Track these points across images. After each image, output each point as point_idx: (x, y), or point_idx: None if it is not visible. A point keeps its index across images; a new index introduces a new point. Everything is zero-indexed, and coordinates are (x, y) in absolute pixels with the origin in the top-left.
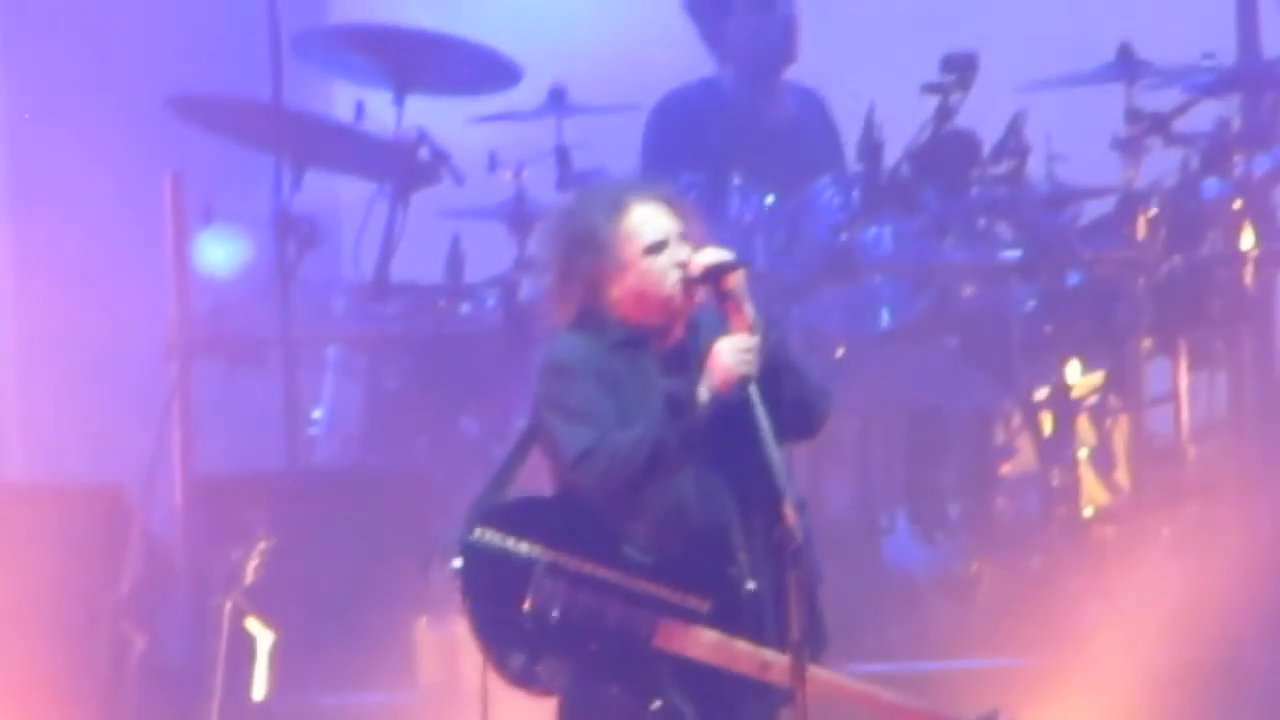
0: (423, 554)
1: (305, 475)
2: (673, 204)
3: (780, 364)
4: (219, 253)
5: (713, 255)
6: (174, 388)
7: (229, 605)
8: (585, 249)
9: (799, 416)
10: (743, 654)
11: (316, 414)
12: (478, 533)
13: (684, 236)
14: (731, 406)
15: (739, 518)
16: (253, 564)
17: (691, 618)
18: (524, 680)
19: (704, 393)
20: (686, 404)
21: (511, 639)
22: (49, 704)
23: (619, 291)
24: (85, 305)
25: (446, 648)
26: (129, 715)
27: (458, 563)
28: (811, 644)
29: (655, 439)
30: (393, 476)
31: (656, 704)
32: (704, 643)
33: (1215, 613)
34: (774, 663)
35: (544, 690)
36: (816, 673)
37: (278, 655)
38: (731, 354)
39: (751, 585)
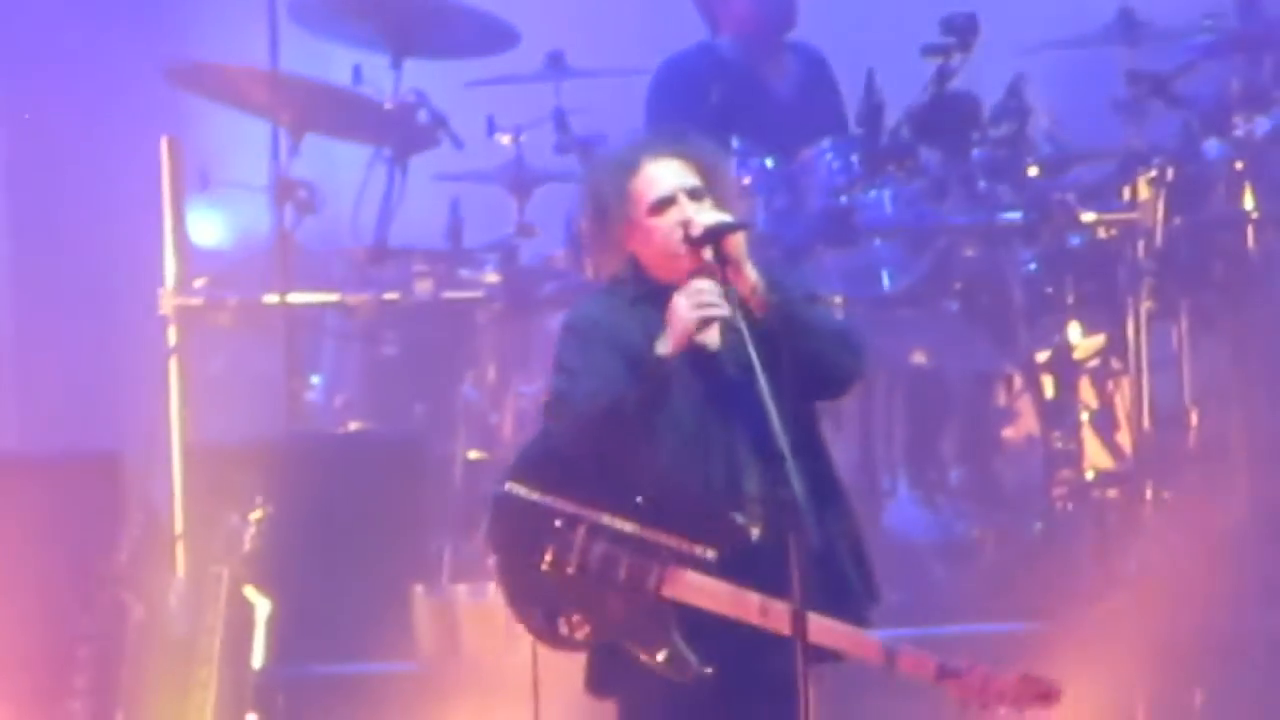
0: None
1: (303, 442)
2: (692, 159)
3: (786, 326)
4: (216, 219)
5: (713, 216)
6: (171, 355)
7: (227, 573)
8: (596, 210)
9: (818, 377)
10: (750, 606)
11: (314, 380)
12: (509, 486)
13: (700, 193)
14: (739, 362)
15: (754, 470)
16: (251, 532)
17: (699, 567)
18: (547, 635)
19: (662, 347)
20: (646, 359)
21: (534, 593)
22: (46, 673)
23: (635, 250)
24: (82, 272)
25: (445, 616)
26: (126, 683)
27: (488, 516)
28: (858, 603)
29: (613, 394)
30: (391, 443)
31: (663, 655)
32: (709, 593)
33: (1217, 578)
34: (774, 612)
35: (566, 645)
36: (824, 624)
37: (276, 623)
38: (686, 304)
39: (756, 533)
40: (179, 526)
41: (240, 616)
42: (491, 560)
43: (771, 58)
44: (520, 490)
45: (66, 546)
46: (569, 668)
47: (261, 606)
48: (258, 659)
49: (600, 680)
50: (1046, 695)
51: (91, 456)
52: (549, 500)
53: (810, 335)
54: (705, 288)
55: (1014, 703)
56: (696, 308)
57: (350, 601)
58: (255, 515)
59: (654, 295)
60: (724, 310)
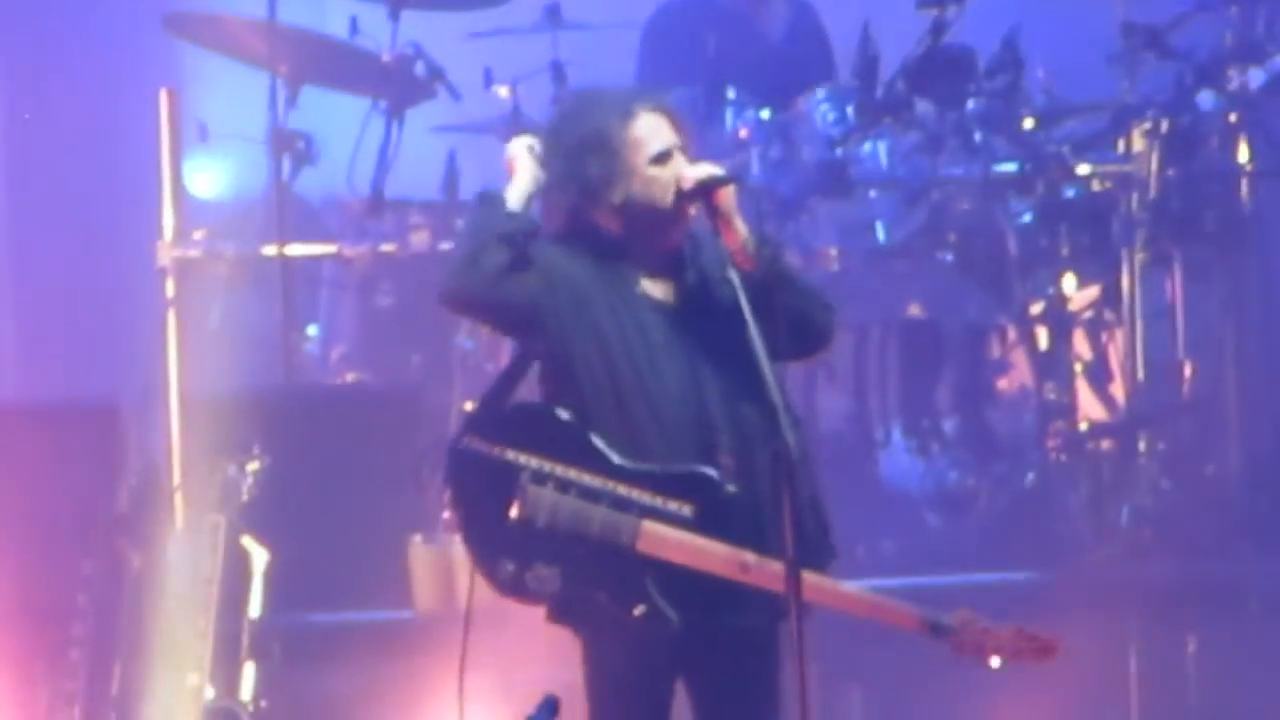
0: (412, 463)
1: (300, 393)
2: (672, 117)
3: (773, 281)
4: (214, 171)
5: (705, 170)
6: (169, 306)
7: (224, 523)
8: (595, 152)
9: (796, 335)
10: (727, 560)
11: (311, 332)
12: (466, 440)
13: (682, 149)
14: (720, 315)
15: (727, 424)
16: (248, 482)
17: (674, 522)
18: (513, 588)
19: (514, 196)
20: (495, 202)
21: (500, 547)
22: (44, 622)
23: (619, 198)
24: (80, 224)
25: (441, 565)
26: (124, 633)
27: (447, 470)
28: (818, 556)
29: (478, 240)
30: (387, 394)
31: (640, 609)
32: (686, 548)
33: (1211, 528)
34: (755, 567)
35: (533, 598)
36: (810, 579)
37: (273, 573)
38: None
39: (733, 489)
40: (177, 477)
41: (238, 566)
42: (450, 514)
43: (762, 4)
44: (479, 444)
45: (65, 496)
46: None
47: (259, 556)
48: (255, 609)
49: (563, 612)
50: (1044, 650)
51: (90, 407)
52: (513, 454)
53: (793, 292)
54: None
55: (1011, 656)
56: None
57: (347, 551)
58: (252, 466)
59: (620, 250)
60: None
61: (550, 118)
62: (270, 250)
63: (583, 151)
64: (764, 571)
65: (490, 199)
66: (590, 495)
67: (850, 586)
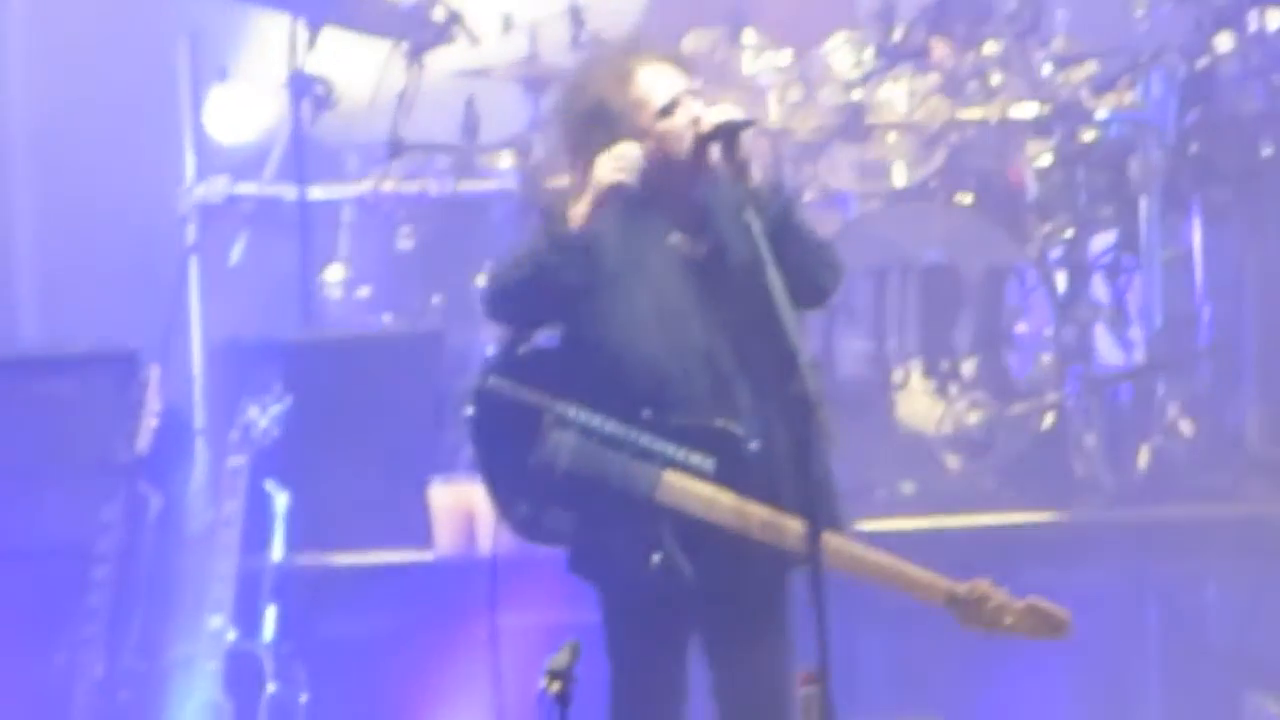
0: (435, 404)
1: (321, 336)
2: (676, 60)
3: (784, 230)
4: (235, 115)
5: (723, 112)
6: (190, 250)
7: (246, 466)
8: (599, 123)
9: (801, 286)
10: (743, 513)
11: (332, 274)
12: (490, 381)
13: (693, 92)
14: (741, 265)
15: (748, 377)
16: (269, 425)
17: (695, 475)
18: (529, 530)
19: (579, 209)
20: (559, 222)
21: (519, 488)
22: (68, 565)
23: None
24: (101, 168)
25: (461, 508)
26: (146, 575)
27: (469, 410)
28: (835, 511)
29: (539, 258)
30: (407, 337)
31: (656, 558)
32: (705, 501)
33: (1230, 470)
34: (772, 522)
35: (549, 540)
36: (829, 540)
37: (294, 515)
38: (604, 164)
39: (755, 445)
40: (199, 420)
41: (259, 509)
42: (471, 452)
43: None
44: (504, 385)
45: (87, 440)
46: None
47: (280, 498)
48: (277, 551)
49: (582, 564)
50: (1056, 627)
51: (111, 351)
52: (537, 397)
53: (801, 246)
54: (628, 152)
55: (1024, 632)
56: (616, 170)
57: (368, 493)
58: (274, 408)
59: (646, 201)
60: (633, 179)
61: (555, 90)
62: (291, 193)
63: (589, 125)
64: (780, 527)
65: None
66: (612, 443)
67: (867, 550)
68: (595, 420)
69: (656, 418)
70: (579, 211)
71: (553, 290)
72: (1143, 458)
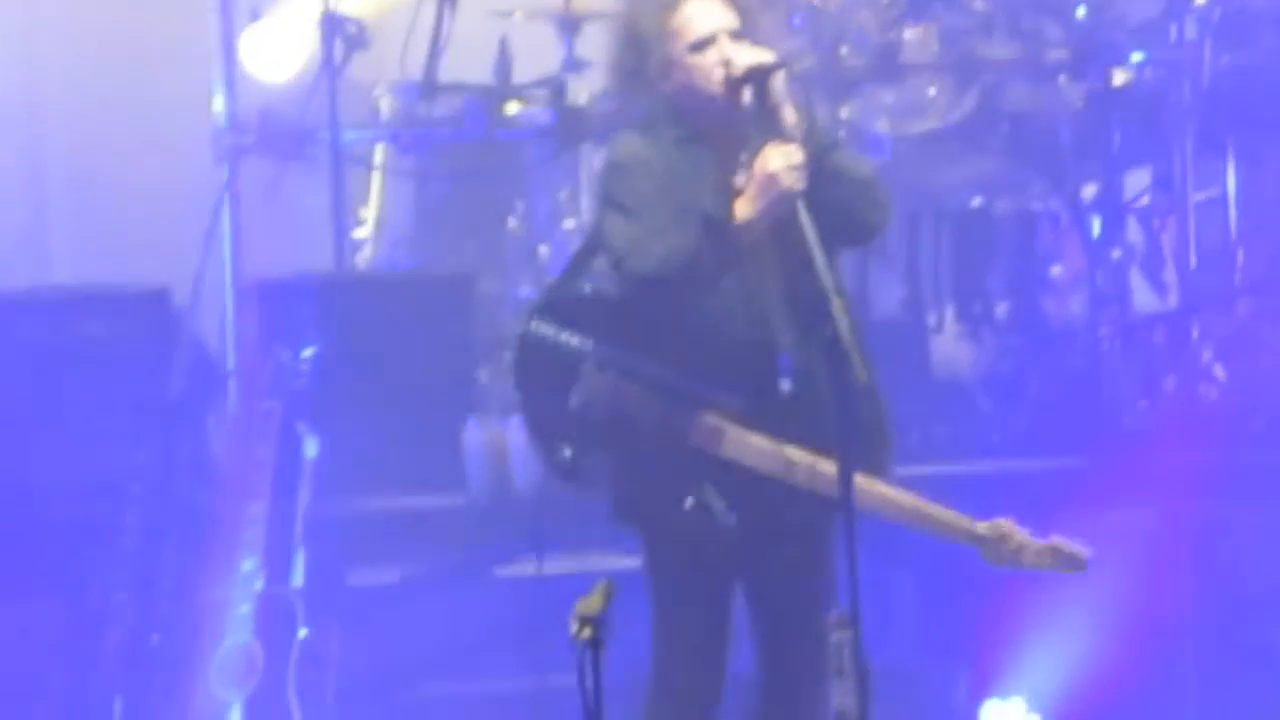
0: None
1: (353, 278)
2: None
3: (821, 171)
4: (266, 53)
5: (753, 55)
6: (223, 190)
7: (278, 409)
8: (631, 46)
9: (845, 225)
10: (782, 456)
11: (364, 216)
12: (533, 324)
13: (739, 34)
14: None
15: (785, 319)
16: (302, 368)
17: (730, 417)
18: (567, 474)
19: (746, 208)
20: (724, 223)
21: (560, 431)
22: (98, 508)
23: (670, 88)
24: (132, 106)
25: (495, 450)
26: (177, 517)
27: (512, 354)
28: (872, 456)
29: (691, 252)
30: (441, 279)
31: (689, 502)
32: (742, 444)
33: (1264, 414)
34: (811, 464)
35: (590, 485)
36: (858, 481)
37: (326, 459)
38: (783, 168)
39: (787, 385)
40: (230, 363)
41: (291, 452)
42: (517, 396)
43: None
44: (547, 329)
45: (118, 383)
46: None
47: (312, 442)
48: (308, 495)
49: (624, 510)
50: (1074, 563)
51: (143, 292)
52: (579, 341)
53: (844, 181)
54: (800, 160)
55: (1046, 568)
56: (794, 180)
57: (400, 437)
58: (306, 352)
59: (699, 137)
60: (805, 183)
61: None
62: (323, 135)
63: (625, 44)
64: (815, 470)
65: None
66: (651, 386)
67: (895, 489)
68: (635, 363)
69: (697, 361)
70: (746, 211)
71: (700, 283)
72: (1176, 401)
